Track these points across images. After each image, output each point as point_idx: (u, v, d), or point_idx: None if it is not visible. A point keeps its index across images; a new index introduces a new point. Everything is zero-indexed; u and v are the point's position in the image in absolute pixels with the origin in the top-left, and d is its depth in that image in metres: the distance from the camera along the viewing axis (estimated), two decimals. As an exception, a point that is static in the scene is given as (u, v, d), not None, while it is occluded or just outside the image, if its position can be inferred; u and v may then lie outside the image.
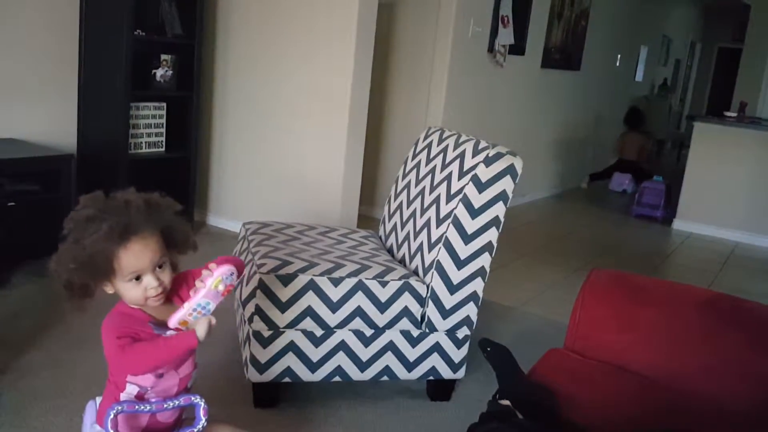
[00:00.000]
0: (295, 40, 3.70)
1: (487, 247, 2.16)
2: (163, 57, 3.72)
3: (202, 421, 1.36)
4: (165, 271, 1.34)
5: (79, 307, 1.33)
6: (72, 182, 3.11)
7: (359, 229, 2.73)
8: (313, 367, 2.12)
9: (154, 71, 3.71)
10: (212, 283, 1.31)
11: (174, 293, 1.40)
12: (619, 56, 7.63)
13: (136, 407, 1.32)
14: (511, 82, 5.37)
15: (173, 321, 1.31)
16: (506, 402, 1.34)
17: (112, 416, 1.29)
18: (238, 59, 3.95)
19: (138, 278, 1.31)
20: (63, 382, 2.17)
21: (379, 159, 4.87)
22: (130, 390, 1.34)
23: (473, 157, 2.16)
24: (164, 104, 3.79)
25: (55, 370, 2.24)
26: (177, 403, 1.36)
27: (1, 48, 3.25)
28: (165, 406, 1.35)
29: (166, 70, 3.73)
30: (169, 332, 1.34)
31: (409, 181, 2.52)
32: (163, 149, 3.82)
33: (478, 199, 2.11)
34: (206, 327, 1.30)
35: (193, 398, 1.38)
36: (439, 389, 2.33)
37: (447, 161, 2.30)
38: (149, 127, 3.74)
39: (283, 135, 3.82)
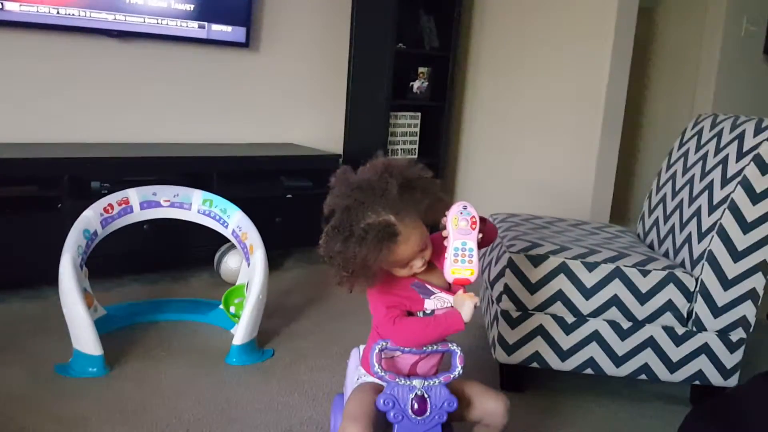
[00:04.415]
0: (548, 48, 3.67)
1: (771, 239, 1.90)
2: (420, 69, 3.94)
3: (458, 369, 1.38)
4: (428, 249, 1.37)
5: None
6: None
7: (613, 224, 2.58)
8: (563, 354, 2.03)
9: (411, 83, 3.95)
10: (451, 224, 1.33)
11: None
12: None
13: (398, 348, 1.38)
14: (794, 88, 4.71)
15: (447, 275, 1.33)
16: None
17: (377, 350, 1.37)
18: (490, 69, 4.03)
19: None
20: (326, 346, 2.37)
21: (633, 172, 4.59)
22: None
23: (755, 135, 1.93)
24: (419, 114, 4.01)
25: (319, 335, 2.47)
26: (435, 347, 1.40)
27: (284, 64, 3.72)
28: (424, 349, 1.40)
29: (423, 82, 3.95)
30: (430, 302, 1.38)
31: (675, 172, 2.33)
32: (416, 156, 4.03)
33: (760, 182, 1.87)
34: (471, 309, 1.31)
35: (450, 345, 1.40)
36: (705, 397, 2.08)
37: (722, 144, 2.08)
38: (405, 135, 3.99)
39: (531, 143, 3.79)
